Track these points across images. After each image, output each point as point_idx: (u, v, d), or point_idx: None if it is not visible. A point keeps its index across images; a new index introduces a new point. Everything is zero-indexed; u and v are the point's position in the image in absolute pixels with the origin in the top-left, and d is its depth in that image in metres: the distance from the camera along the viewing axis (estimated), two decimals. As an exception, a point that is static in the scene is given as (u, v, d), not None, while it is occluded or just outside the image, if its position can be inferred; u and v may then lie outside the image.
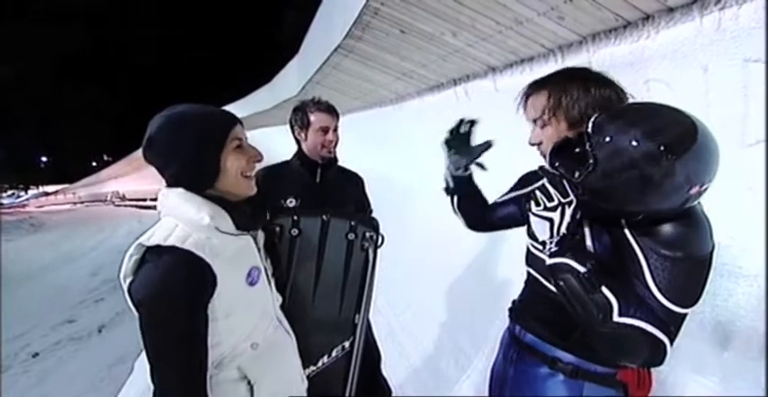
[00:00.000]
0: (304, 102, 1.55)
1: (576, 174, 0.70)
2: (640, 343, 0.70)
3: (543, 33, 1.83)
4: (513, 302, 1.05)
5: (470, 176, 1.22)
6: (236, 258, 0.80)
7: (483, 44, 2.15)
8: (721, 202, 1.13)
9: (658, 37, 1.39)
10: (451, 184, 1.24)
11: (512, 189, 1.15)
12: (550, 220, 0.73)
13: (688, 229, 0.71)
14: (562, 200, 0.71)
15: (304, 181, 1.53)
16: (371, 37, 2.66)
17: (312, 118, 1.51)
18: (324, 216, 1.29)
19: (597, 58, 1.67)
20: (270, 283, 0.92)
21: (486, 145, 1.17)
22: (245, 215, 0.83)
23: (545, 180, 0.86)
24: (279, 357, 0.90)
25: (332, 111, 1.53)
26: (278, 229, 1.22)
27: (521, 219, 1.05)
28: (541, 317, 0.92)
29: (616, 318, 0.69)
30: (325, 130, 1.50)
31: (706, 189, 0.69)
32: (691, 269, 0.71)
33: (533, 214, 0.73)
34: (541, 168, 0.79)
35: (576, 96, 0.82)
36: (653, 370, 0.93)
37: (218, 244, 0.76)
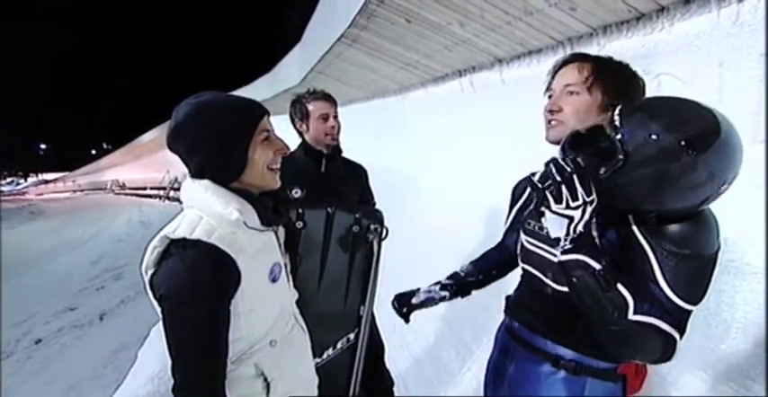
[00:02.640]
0: (300, 94, 1.57)
1: (603, 170, 0.68)
2: (654, 340, 0.70)
3: (553, 24, 1.79)
4: (508, 298, 1.04)
5: (457, 286, 1.12)
6: (259, 254, 0.79)
7: (490, 35, 2.11)
8: (731, 198, 1.12)
9: (673, 29, 1.36)
10: (462, 295, 1.14)
11: (512, 205, 1.11)
12: (571, 218, 0.71)
13: (696, 227, 0.70)
14: (586, 199, 0.69)
15: (309, 172, 1.54)
16: (376, 26, 2.62)
17: (311, 107, 1.52)
18: (329, 209, 1.29)
19: (608, 51, 1.63)
20: (289, 280, 0.91)
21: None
22: (268, 209, 0.81)
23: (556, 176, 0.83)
24: (295, 355, 0.90)
25: (329, 99, 1.55)
26: None
27: None
28: (540, 314, 0.91)
29: (631, 316, 0.68)
30: (325, 118, 1.52)
31: (728, 188, 0.67)
32: (698, 267, 0.70)
33: (552, 211, 0.71)
34: (551, 161, 0.76)
35: (621, 79, 0.82)
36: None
37: (243, 239, 0.75)
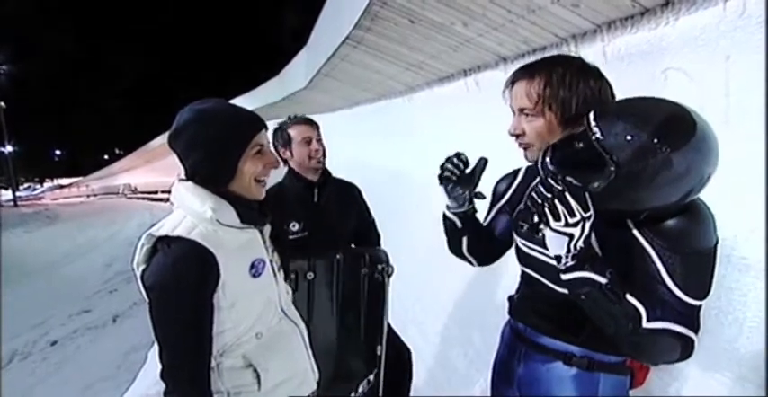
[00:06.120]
0: (281, 123, 1.56)
1: (596, 184, 0.67)
2: (672, 344, 0.70)
3: (556, 22, 1.78)
4: (511, 298, 1.04)
5: (474, 211, 1.06)
6: (240, 250, 0.84)
7: (494, 34, 2.10)
8: (742, 195, 1.10)
9: (678, 24, 1.34)
10: (459, 224, 1.04)
11: (493, 203, 1.09)
12: (571, 235, 0.70)
13: (690, 223, 0.70)
14: (584, 215, 0.68)
15: (303, 203, 1.52)
16: (380, 27, 2.63)
17: (292, 132, 1.51)
18: (337, 256, 1.34)
19: (612, 47, 1.62)
20: (276, 275, 0.93)
21: (483, 164, 0.99)
22: (251, 210, 0.86)
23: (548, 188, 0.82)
24: (284, 347, 0.92)
25: (310, 123, 1.54)
26: (293, 275, 1.27)
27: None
28: (545, 314, 0.91)
29: (645, 324, 0.68)
30: (308, 141, 1.51)
31: (708, 181, 0.68)
32: (699, 262, 0.71)
33: (552, 229, 0.70)
34: (544, 178, 0.75)
35: (574, 87, 0.77)
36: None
37: (223, 236, 0.80)
